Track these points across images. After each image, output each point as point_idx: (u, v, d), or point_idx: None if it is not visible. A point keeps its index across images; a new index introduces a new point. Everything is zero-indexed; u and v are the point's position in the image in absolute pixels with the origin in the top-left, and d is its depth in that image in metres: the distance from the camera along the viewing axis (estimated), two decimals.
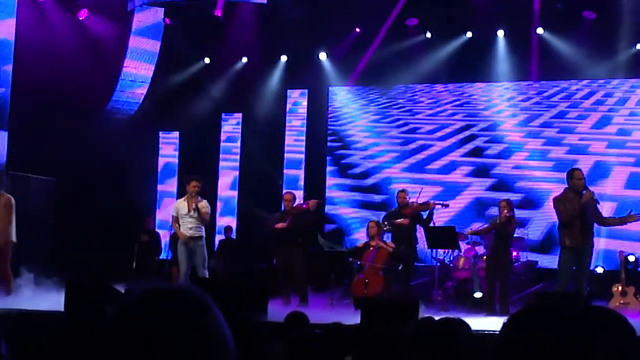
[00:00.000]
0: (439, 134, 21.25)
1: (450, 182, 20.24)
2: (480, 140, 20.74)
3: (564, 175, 17.86)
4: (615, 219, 13.57)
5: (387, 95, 21.84)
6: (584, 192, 12.92)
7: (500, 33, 20.04)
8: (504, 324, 1.93)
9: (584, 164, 18.56)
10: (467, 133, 20.96)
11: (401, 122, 21.73)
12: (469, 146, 20.79)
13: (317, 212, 16.16)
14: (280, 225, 15.28)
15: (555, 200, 13.24)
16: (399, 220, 15.35)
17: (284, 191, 16.59)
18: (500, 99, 20.98)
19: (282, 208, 15.82)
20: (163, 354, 1.82)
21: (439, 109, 21.58)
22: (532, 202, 19.51)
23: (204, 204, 14.55)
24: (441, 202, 16.13)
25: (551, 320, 1.84)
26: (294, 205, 15.50)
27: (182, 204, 14.59)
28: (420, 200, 15.76)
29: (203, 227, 14.60)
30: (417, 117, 21.64)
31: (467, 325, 4.66)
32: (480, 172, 20.37)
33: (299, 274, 15.03)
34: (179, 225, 14.53)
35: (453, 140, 21.01)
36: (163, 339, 1.83)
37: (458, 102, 21.41)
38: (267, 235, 16.63)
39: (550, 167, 19.69)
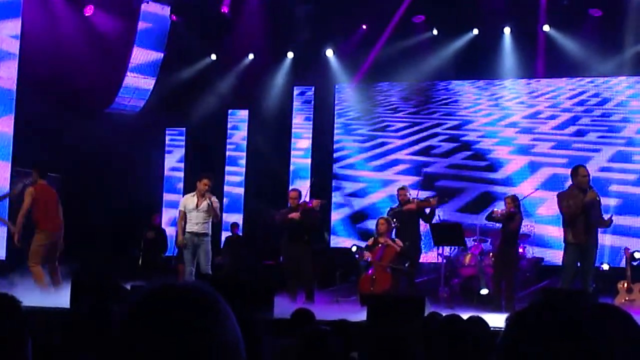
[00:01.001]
0: (403, 132, 21.53)
1: (380, 179, 20.79)
2: (436, 139, 21.05)
3: (489, 175, 18.07)
4: (606, 221, 13.47)
5: (385, 92, 21.94)
6: (588, 191, 12.91)
7: (507, 30, 20.03)
8: (507, 322, 1.94)
9: (516, 163, 19.65)
10: (431, 131, 21.26)
11: (379, 119, 21.92)
12: (422, 145, 21.14)
13: (322, 211, 16.09)
14: (293, 215, 15.24)
15: (559, 196, 13.23)
16: (405, 207, 15.33)
17: (290, 188, 16.55)
18: (487, 97, 21.14)
19: (288, 205, 15.79)
20: (168, 354, 1.82)
21: (422, 107, 21.72)
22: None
23: (215, 200, 14.58)
24: (439, 197, 16.17)
25: (554, 318, 1.85)
26: (300, 202, 15.47)
27: (190, 199, 14.56)
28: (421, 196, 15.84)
29: (210, 224, 14.58)
30: (396, 115, 21.84)
31: (484, 324, 4.67)
32: (413, 170, 20.62)
33: (306, 270, 15.02)
34: (185, 221, 14.52)
35: (413, 138, 21.35)
36: (168, 339, 1.82)
37: (447, 100, 21.51)
38: (275, 230, 16.62)
39: (482, 167, 20.21)
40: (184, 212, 14.57)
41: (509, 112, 20.77)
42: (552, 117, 20.29)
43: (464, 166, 20.34)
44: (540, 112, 20.44)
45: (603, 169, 18.95)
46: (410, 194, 15.64)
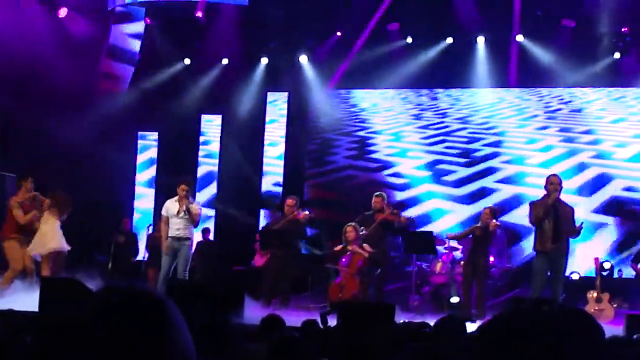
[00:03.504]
0: (380, 139, 21.78)
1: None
2: (416, 148, 21.31)
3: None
4: (575, 229, 13.48)
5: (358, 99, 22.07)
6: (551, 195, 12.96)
7: (481, 39, 20.08)
8: (479, 330, 1.93)
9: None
10: (405, 141, 21.50)
11: (354, 126, 22.04)
12: (396, 152, 21.45)
13: (307, 224, 16.09)
14: (277, 226, 15.43)
15: (530, 205, 13.30)
16: (376, 215, 15.35)
17: (287, 197, 16.49)
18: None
19: (281, 212, 15.91)
20: None
21: (396, 114, 21.93)
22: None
23: (195, 206, 14.60)
24: (410, 217, 16.14)
25: (521, 327, 1.84)
26: (294, 211, 15.52)
27: (172, 204, 14.56)
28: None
29: (192, 229, 14.60)
30: (373, 122, 21.94)
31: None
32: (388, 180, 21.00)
33: (288, 276, 15.11)
34: (168, 226, 14.52)
35: (389, 144, 21.65)
36: (115, 348, 1.78)
37: (422, 108, 21.68)
38: (246, 236, 16.59)
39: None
40: (166, 217, 14.60)
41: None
42: (523, 126, 20.54)
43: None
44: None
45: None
46: (385, 203, 15.65)
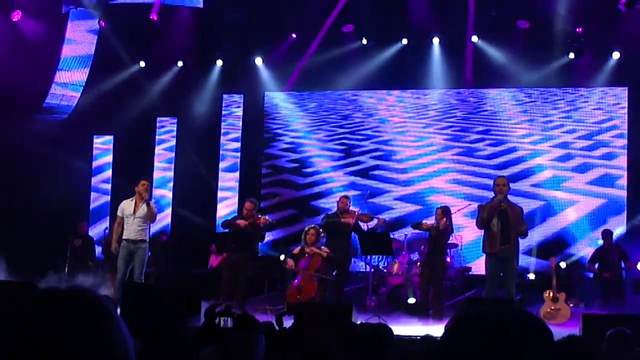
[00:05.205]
0: (332, 141, 21.88)
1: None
2: (366, 149, 21.42)
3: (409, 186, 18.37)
4: (524, 229, 13.51)
5: (313, 101, 22.09)
6: (502, 199, 13.01)
7: (436, 41, 20.13)
8: (446, 330, 1.94)
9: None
10: (360, 141, 21.58)
11: (308, 128, 22.06)
12: (351, 156, 21.56)
13: (266, 228, 16.07)
14: (240, 221, 15.36)
15: (479, 207, 13.36)
16: (343, 220, 15.35)
17: (246, 200, 16.41)
18: (416, 106, 21.52)
19: (236, 214, 15.88)
20: None
21: (350, 116, 21.95)
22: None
23: (152, 203, 14.52)
24: (384, 218, 16.10)
25: (484, 327, 1.85)
26: (253, 214, 15.48)
27: (128, 204, 14.44)
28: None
29: (147, 232, 14.49)
30: (326, 125, 22.00)
31: (390, 330, 4.70)
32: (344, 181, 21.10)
33: (246, 278, 15.08)
34: (122, 227, 14.40)
35: (341, 147, 21.77)
36: (50, 349, 1.76)
37: (378, 110, 21.73)
38: (203, 238, 16.52)
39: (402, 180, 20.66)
40: (121, 217, 14.46)
41: (434, 121, 21.08)
42: (485, 132, 20.62)
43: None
44: (466, 122, 20.89)
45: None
46: (350, 205, 15.70)
